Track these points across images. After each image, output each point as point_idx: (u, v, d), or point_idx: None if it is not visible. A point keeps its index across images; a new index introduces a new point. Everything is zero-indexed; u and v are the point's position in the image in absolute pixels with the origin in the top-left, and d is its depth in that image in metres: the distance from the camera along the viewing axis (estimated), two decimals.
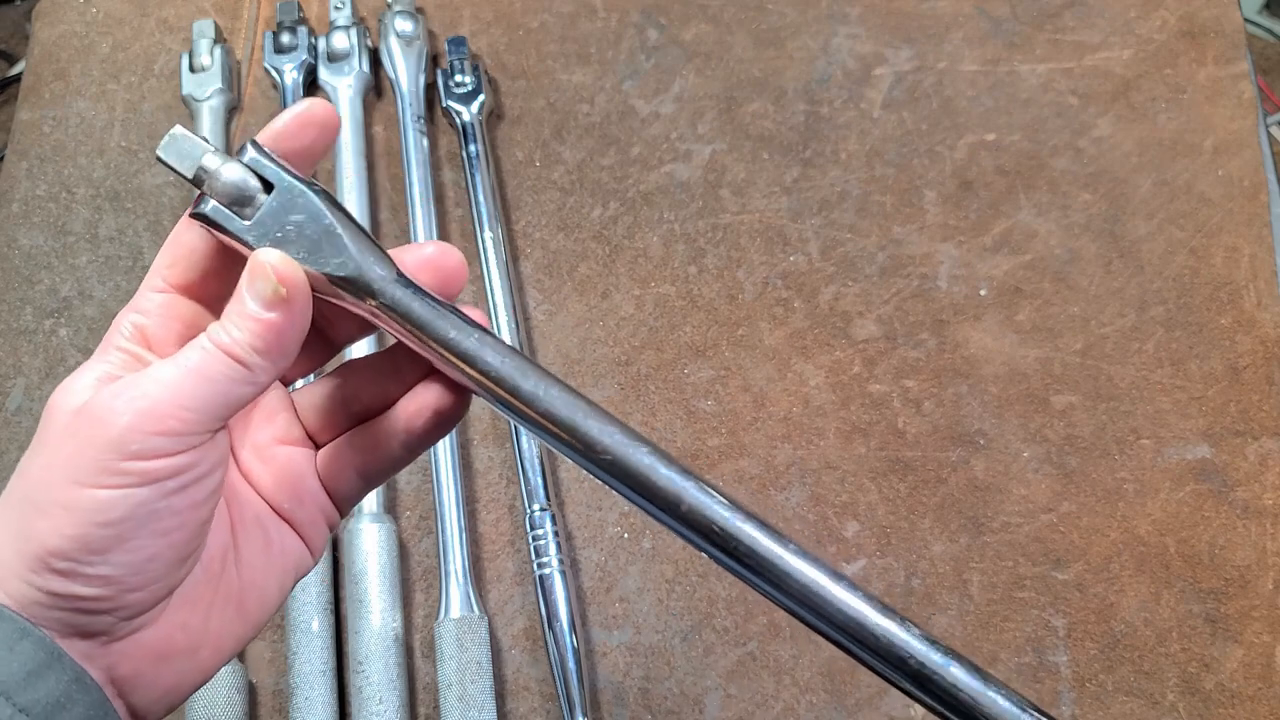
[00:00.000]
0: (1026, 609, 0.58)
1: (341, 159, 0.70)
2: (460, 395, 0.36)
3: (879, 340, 0.64)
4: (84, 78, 0.77)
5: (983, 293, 0.65)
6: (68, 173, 0.74)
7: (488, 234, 0.67)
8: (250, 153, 0.32)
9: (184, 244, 0.34)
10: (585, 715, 0.56)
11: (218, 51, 0.73)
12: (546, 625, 0.57)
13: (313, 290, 0.33)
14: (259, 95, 0.75)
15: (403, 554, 0.61)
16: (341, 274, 0.32)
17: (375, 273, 0.33)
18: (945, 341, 0.64)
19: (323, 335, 0.38)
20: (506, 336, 0.64)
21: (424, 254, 0.35)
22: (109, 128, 0.75)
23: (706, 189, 0.69)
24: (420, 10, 0.75)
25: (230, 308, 0.32)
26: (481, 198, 0.68)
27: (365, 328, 0.37)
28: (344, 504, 0.38)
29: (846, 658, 0.58)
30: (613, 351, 0.66)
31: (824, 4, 0.74)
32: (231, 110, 0.74)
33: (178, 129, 0.32)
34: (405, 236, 0.68)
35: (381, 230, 0.70)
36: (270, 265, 0.32)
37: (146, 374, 0.31)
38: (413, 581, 0.61)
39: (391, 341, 0.36)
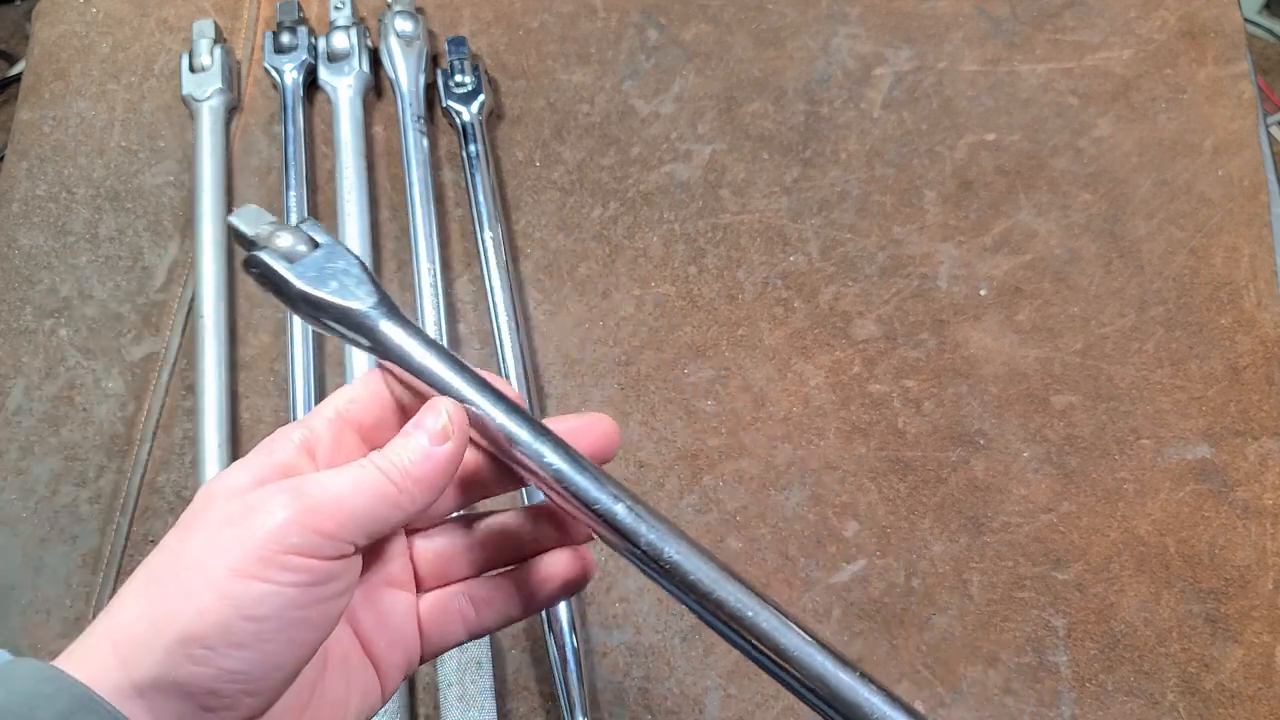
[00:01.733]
0: (1026, 609, 0.58)
1: (341, 159, 0.70)
2: (590, 566, 0.37)
3: (879, 340, 0.64)
4: (84, 78, 0.77)
5: (983, 293, 0.65)
6: (68, 173, 0.74)
7: (488, 234, 0.67)
8: (307, 229, 0.37)
9: (370, 386, 0.36)
10: (585, 715, 0.56)
11: (218, 51, 0.73)
12: (546, 625, 0.57)
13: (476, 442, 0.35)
14: (259, 95, 0.75)
15: None
16: (358, 307, 0.36)
17: (378, 317, 0.36)
18: (945, 341, 0.64)
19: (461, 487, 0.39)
20: (506, 337, 0.64)
21: (576, 424, 0.37)
22: (109, 128, 0.75)
23: (706, 189, 0.69)
24: (420, 10, 0.75)
25: (397, 438, 0.34)
26: (481, 198, 0.68)
27: (511, 481, 0.38)
28: (437, 651, 0.38)
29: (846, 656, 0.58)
30: (613, 351, 0.66)
31: (824, 4, 0.74)
32: (231, 110, 0.74)
33: (250, 206, 0.37)
34: (405, 236, 0.68)
35: (381, 230, 0.70)
36: (445, 408, 0.34)
37: (310, 477, 0.32)
38: None
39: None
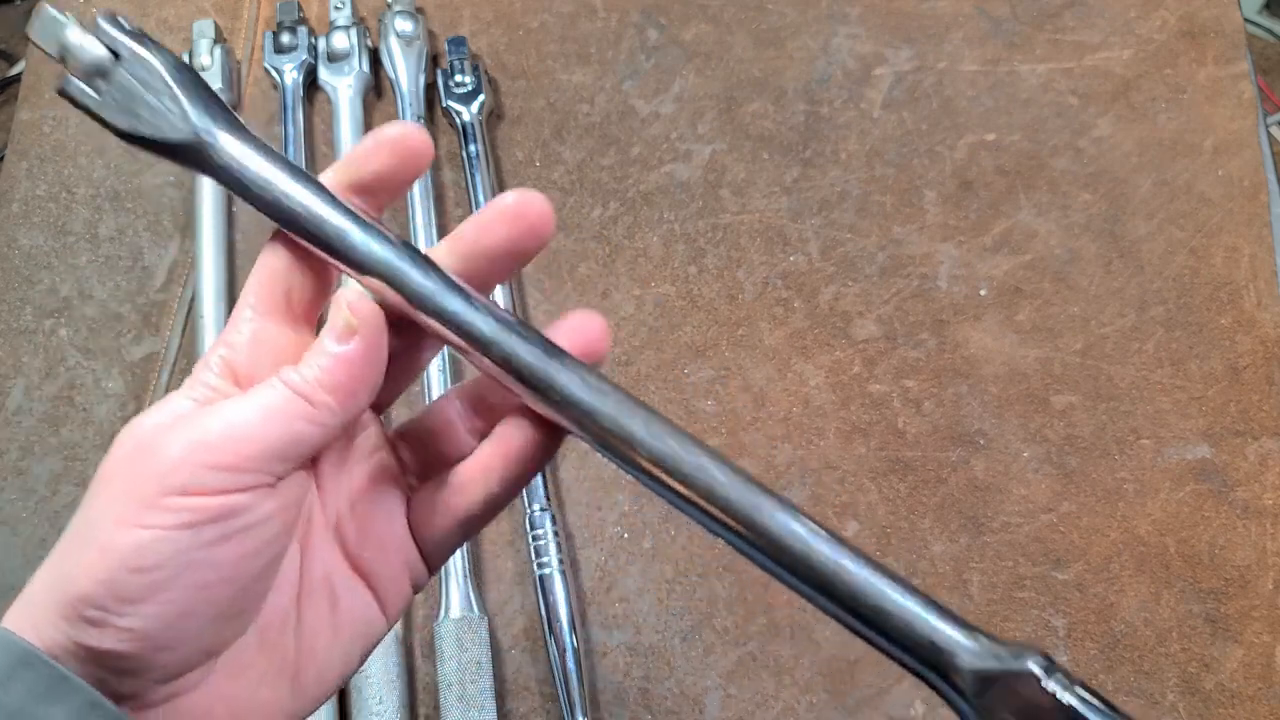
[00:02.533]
0: (1026, 609, 0.58)
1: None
2: (549, 425, 0.33)
3: (879, 340, 0.64)
4: None
5: (983, 293, 0.65)
6: (68, 173, 0.74)
7: None
8: (102, 24, 0.31)
9: (266, 266, 0.32)
10: (585, 715, 0.56)
11: (217, 51, 0.73)
12: (546, 625, 0.57)
13: (391, 317, 0.31)
14: (259, 95, 0.75)
15: None
16: (177, 139, 0.30)
17: (214, 134, 0.30)
18: (945, 341, 0.64)
19: (402, 359, 0.34)
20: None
21: (504, 204, 0.32)
22: None
23: (706, 189, 0.69)
24: (420, 10, 0.74)
25: (311, 347, 0.31)
26: (482, 198, 0.68)
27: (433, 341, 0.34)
28: (436, 557, 0.34)
29: (847, 658, 0.58)
30: (613, 351, 0.66)
31: (824, 4, 0.74)
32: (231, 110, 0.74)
33: (45, 6, 0.31)
34: (405, 236, 0.68)
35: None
36: (344, 299, 0.30)
37: (212, 409, 0.29)
38: None
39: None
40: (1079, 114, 0.69)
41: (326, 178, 0.32)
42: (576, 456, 0.63)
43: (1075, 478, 0.60)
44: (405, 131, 0.32)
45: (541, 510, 0.59)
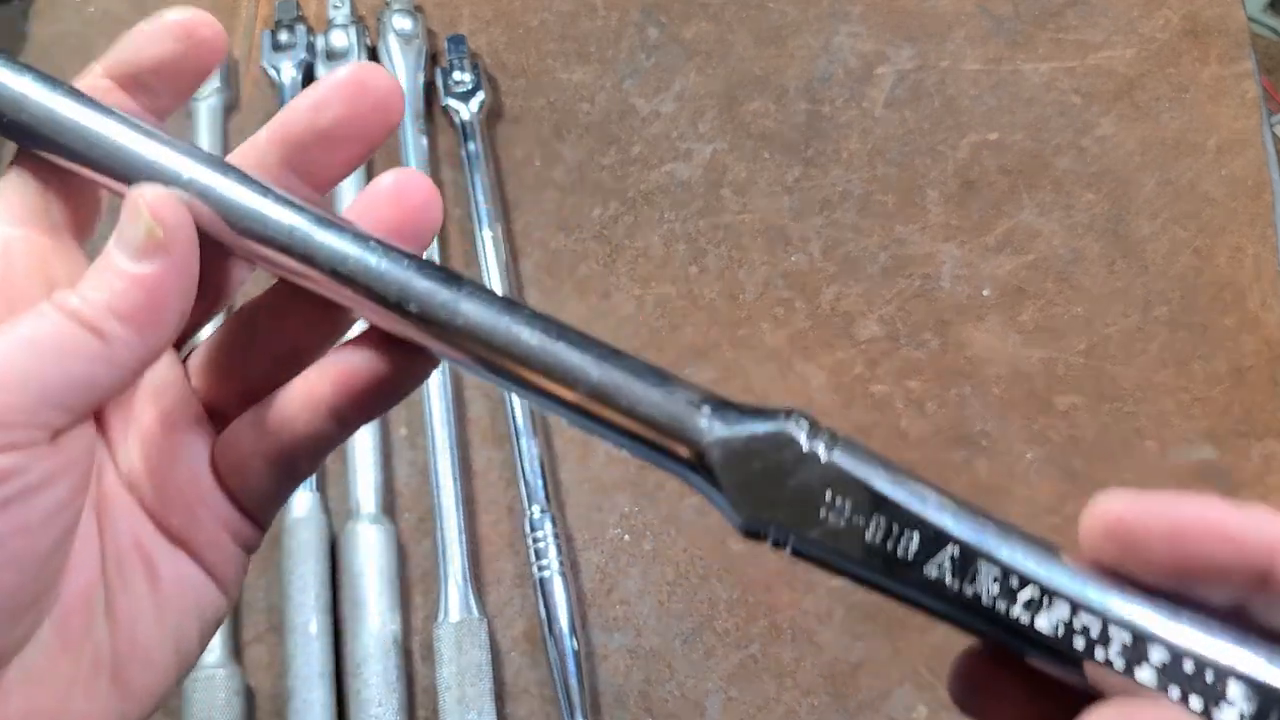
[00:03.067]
0: None
1: None
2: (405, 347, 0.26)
3: (881, 341, 0.64)
4: None
5: (986, 293, 0.65)
6: None
7: (487, 233, 0.66)
8: None
9: (12, 181, 0.26)
10: (585, 718, 0.55)
11: None
12: (546, 628, 0.57)
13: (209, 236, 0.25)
14: (257, 94, 0.75)
15: (401, 556, 0.61)
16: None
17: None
18: (948, 342, 0.64)
19: (219, 271, 0.28)
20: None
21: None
22: None
23: (707, 188, 0.69)
24: (419, 8, 0.74)
25: (95, 263, 0.24)
26: (481, 197, 0.67)
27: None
28: (259, 509, 0.28)
29: (849, 660, 0.58)
30: None
31: (825, 2, 0.74)
32: (229, 109, 0.74)
33: None
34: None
35: None
36: (144, 202, 0.23)
37: None
38: (411, 584, 0.61)
39: None
40: (1082, 113, 0.69)
41: (92, 70, 0.26)
42: (576, 457, 0.63)
43: (1079, 479, 0.60)
44: (192, 15, 0.26)
45: (541, 512, 0.59)
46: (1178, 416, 0.61)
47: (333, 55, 0.72)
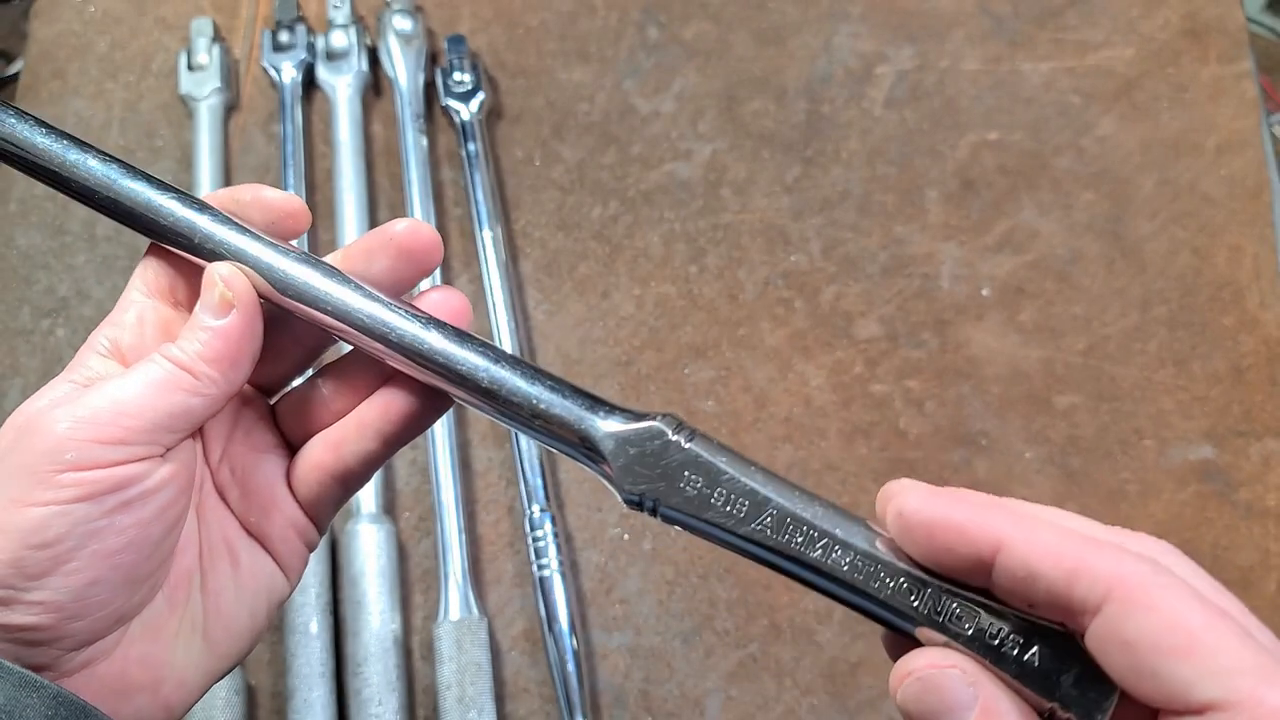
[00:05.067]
0: None
1: (340, 158, 0.69)
2: (430, 392, 0.34)
3: (881, 340, 0.64)
4: (81, 77, 0.77)
5: (985, 292, 0.65)
6: None
7: (487, 233, 0.66)
8: None
9: (149, 264, 0.35)
10: (585, 717, 0.55)
11: (216, 50, 0.73)
12: (546, 627, 0.57)
13: (267, 300, 0.33)
14: (257, 94, 0.75)
15: (402, 555, 0.61)
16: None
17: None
18: (947, 341, 0.64)
19: (293, 341, 0.36)
20: (506, 336, 0.64)
21: (392, 232, 0.34)
22: (107, 127, 0.75)
23: (707, 188, 0.69)
24: (419, 8, 0.74)
25: (187, 323, 0.32)
26: (481, 197, 0.67)
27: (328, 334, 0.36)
28: (320, 514, 0.36)
29: (848, 660, 0.58)
30: (613, 351, 0.65)
31: (825, 2, 0.74)
32: (229, 109, 0.74)
33: None
34: None
35: None
36: (218, 275, 0.32)
37: (96, 387, 0.31)
38: (412, 583, 0.61)
39: None
40: (1081, 113, 0.69)
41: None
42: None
43: (1078, 478, 0.60)
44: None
45: (541, 512, 0.59)
46: (1177, 416, 0.61)
47: (333, 55, 0.72)
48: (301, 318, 0.33)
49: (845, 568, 0.31)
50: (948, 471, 0.61)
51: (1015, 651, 0.28)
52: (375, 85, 0.74)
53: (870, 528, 0.31)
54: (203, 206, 0.33)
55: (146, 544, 0.30)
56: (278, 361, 0.36)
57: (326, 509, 0.36)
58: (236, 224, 0.33)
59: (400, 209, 0.69)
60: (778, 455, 0.62)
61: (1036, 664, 0.28)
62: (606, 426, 0.32)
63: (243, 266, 0.32)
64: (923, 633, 0.30)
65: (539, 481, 0.60)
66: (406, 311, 0.33)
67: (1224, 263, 0.64)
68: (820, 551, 0.31)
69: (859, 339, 0.64)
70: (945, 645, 0.29)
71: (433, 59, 0.74)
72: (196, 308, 0.32)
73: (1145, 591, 0.25)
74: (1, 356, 0.69)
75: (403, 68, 0.71)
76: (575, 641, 0.56)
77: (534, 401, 0.32)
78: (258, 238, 0.33)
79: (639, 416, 0.32)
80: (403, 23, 0.72)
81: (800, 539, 0.31)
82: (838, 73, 0.72)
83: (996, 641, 0.29)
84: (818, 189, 0.69)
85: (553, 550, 0.58)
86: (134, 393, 0.30)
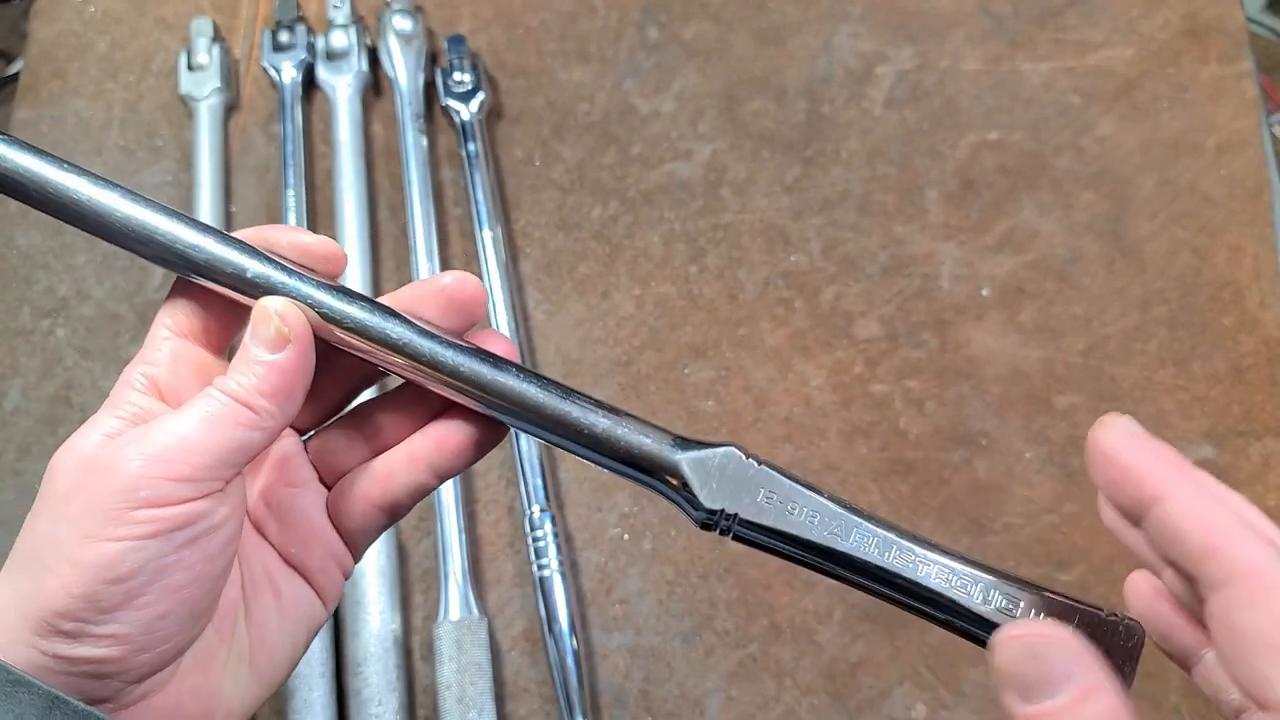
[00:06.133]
0: None
1: (340, 158, 0.69)
2: (489, 423, 0.35)
3: (881, 340, 0.64)
4: (82, 77, 0.77)
5: (985, 292, 0.65)
6: None
7: (487, 233, 0.66)
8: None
9: (178, 300, 0.35)
10: (585, 717, 0.55)
11: (216, 50, 0.73)
12: (546, 627, 0.57)
13: (321, 337, 0.33)
14: (257, 94, 0.75)
15: (401, 556, 0.61)
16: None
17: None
18: (947, 341, 0.64)
19: (332, 382, 0.37)
20: (506, 336, 0.64)
21: (441, 283, 0.35)
22: (106, 127, 0.75)
23: (707, 188, 0.69)
24: (419, 8, 0.74)
25: (237, 357, 0.32)
26: (481, 197, 0.67)
27: (369, 374, 0.37)
28: (360, 544, 0.37)
29: (848, 660, 0.58)
30: (613, 351, 0.65)
31: (825, 2, 0.74)
32: (229, 109, 0.74)
33: None
34: (404, 236, 0.68)
35: (380, 229, 0.70)
36: (273, 310, 0.32)
37: (156, 424, 0.31)
38: (412, 583, 0.61)
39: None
40: (1081, 113, 0.69)
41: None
42: (576, 458, 0.63)
43: (1078, 478, 0.60)
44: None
45: (541, 512, 0.59)
46: (1177, 416, 0.61)
47: (333, 55, 0.72)
48: (358, 353, 0.34)
49: (914, 568, 0.34)
50: (948, 471, 0.61)
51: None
52: (375, 85, 0.74)
53: (931, 541, 0.34)
54: (244, 245, 0.34)
55: (209, 578, 0.31)
56: (318, 400, 0.36)
57: (367, 539, 0.37)
58: (279, 261, 0.34)
59: (400, 209, 0.69)
60: (778, 455, 0.62)
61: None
62: (683, 454, 0.35)
63: (296, 301, 0.33)
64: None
65: (539, 481, 0.60)
66: (468, 347, 0.34)
67: (1224, 263, 0.64)
68: (888, 555, 0.34)
69: (859, 339, 0.64)
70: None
71: (433, 59, 0.74)
72: (248, 341, 0.32)
73: (1265, 587, 0.27)
74: (1, 356, 0.69)
75: (403, 68, 0.71)
76: (575, 641, 0.56)
77: (612, 433, 0.35)
78: (306, 278, 0.34)
79: (709, 445, 0.35)
80: (403, 23, 0.72)
81: (868, 544, 0.34)
82: (838, 73, 0.72)
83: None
84: (818, 189, 0.69)
85: (553, 550, 0.58)
86: (197, 429, 0.31)
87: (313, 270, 0.34)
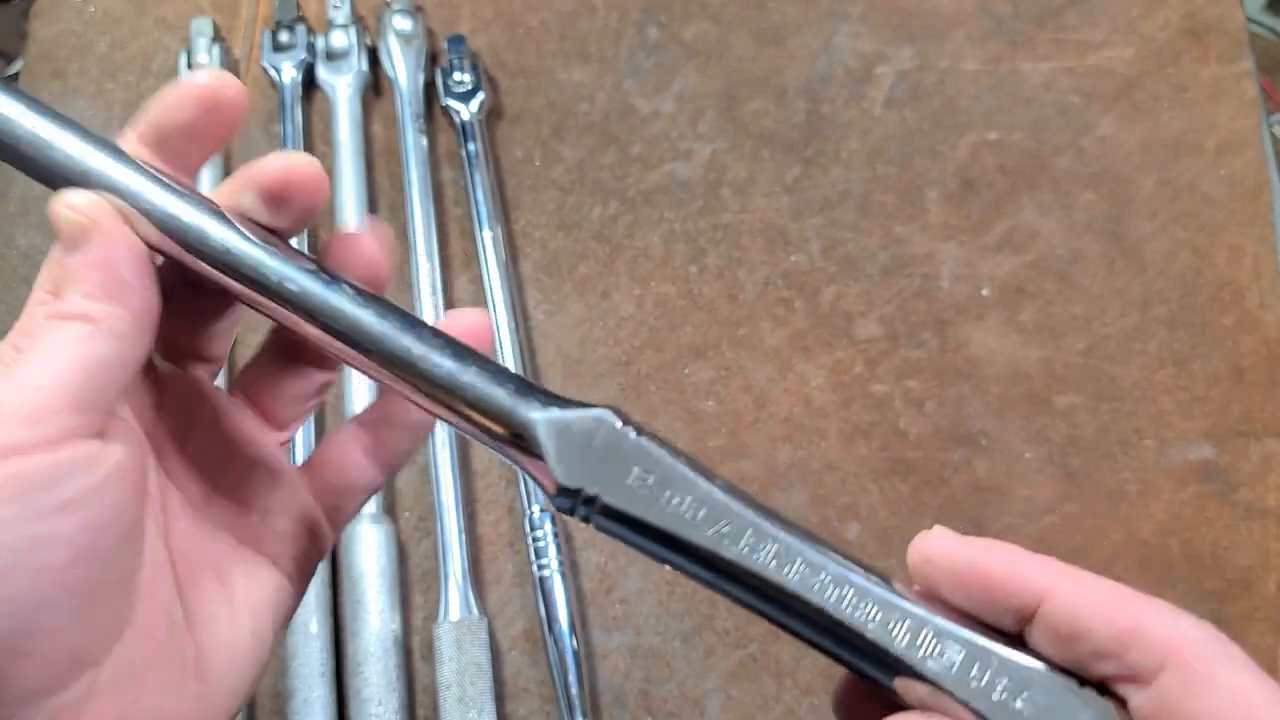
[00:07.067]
0: None
1: (340, 158, 0.69)
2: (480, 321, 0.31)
3: (881, 340, 0.64)
4: (81, 77, 0.77)
5: (985, 293, 0.65)
6: None
7: (487, 233, 0.66)
8: None
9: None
10: (585, 717, 0.55)
11: (215, 50, 0.73)
12: (546, 627, 0.57)
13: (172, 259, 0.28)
14: (257, 94, 0.75)
15: (402, 555, 0.61)
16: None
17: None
18: (947, 342, 0.64)
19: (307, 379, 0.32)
20: (506, 337, 0.64)
21: (265, 168, 0.30)
22: (106, 127, 0.75)
23: (707, 188, 0.69)
24: (419, 8, 0.74)
25: (56, 273, 0.27)
26: (480, 197, 0.67)
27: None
28: (348, 504, 0.31)
29: None
30: (613, 351, 0.65)
31: (825, 2, 0.74)
32: None
33: None
34: (403, 236, 0.68)
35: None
36: (61, 206, 0.27)
37: None
38: (412, 583, 0.61)
39: None
40: (1081, 113, 0.69)
41: (128, 137, 0.30)
42: None
43: (1078, 479, 0.60)
44: (214, 82, 0.29)
45: (541, 512, 0.59)
46: (1177, 416, 0.61)
47: (333, 55, 0.72)
48: (172, 256, 0.28)
49: (816, 588, 0.26)
50: (948, 471, 0.61)
51: (1004, 696, 0.25)
52: (375, 85, 0.74)
53: (847, 554, 0.28)
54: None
55: (98, 555, 0.25)
56: (287, 398, 0.32)
57: (357, 498, 0.32)
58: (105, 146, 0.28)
59: (400, 209, 0.69)
60: (778, 455, 0.62)
61: (1024, 715, 0.25)
62: (541, 412, 0.28)
63: (84, 191, 0.27)
64: (902, 684, 0.26)
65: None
66: (313, 267, 0.29)
67: (1224, 263, 0.64)
68: (788, 569, 0.27)
69: (859, 339, 0.64)
70: (923, 696, 0.26)
71: (433, 59, 0.74)
72: (53, 252, 0.27)
73: (1208, 664, 0.23)
74: None
75: (403, 68, 0.71)
76: (575, 641, 0.56)
77: (456, 377, 0.28)
78: (123, 162, 0.28)
79: (581, 405, 0.28)
80: (403, 23, 0.72)
81: (765, 553, 0.26)
82: (838, 73, 0.72)
83: (983, 683, 0.25)
84: (818, 189, 0.69)
85: (553, 550, 0.58)
86: (32, 363, 0.25)
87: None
